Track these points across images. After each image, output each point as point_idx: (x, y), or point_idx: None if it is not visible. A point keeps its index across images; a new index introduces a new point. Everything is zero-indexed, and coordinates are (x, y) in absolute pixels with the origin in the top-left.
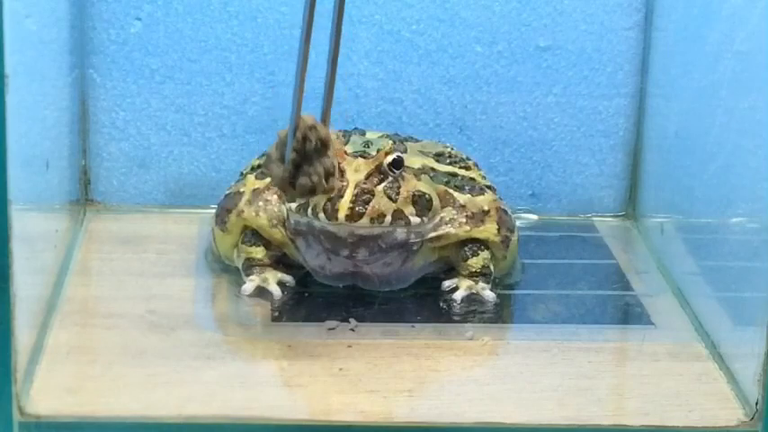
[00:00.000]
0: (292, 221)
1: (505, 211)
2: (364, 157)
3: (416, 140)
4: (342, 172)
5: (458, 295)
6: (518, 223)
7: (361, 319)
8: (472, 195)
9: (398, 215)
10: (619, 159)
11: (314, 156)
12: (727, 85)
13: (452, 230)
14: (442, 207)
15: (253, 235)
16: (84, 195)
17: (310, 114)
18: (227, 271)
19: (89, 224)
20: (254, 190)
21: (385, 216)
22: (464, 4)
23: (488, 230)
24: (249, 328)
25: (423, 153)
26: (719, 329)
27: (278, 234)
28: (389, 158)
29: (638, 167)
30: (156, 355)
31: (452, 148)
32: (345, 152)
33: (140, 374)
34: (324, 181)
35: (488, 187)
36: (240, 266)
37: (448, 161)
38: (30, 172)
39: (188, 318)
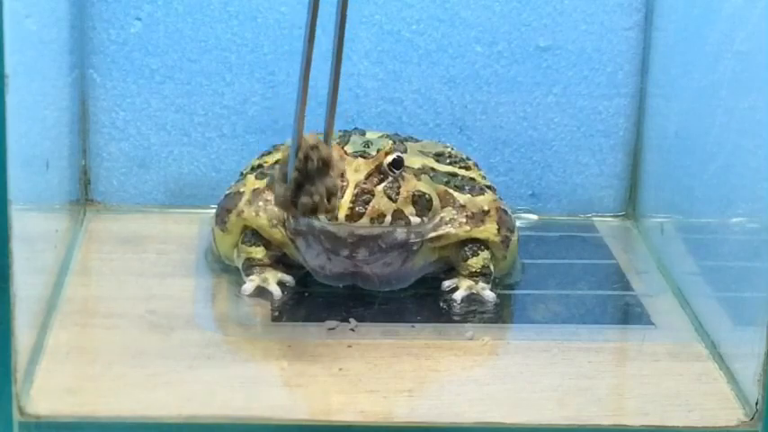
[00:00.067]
0: (292, 221)
1: (505, 211)
2: (364, 157)
3: (416, 140)
4: (342, 172)
5: (458, 295)
6: (518, 223)
7: (361, 319)
8: (472, 195)
9: (398, 215)
10: (619, 159)
11: (316, 175)
12: (727, 85)
13: (452, 230)
14: (442, 207)
15: (253, 235)
16: (84, 195)
17: (313, 133)
18: (227, 271)
19: (89, 224)
20: (254, 190)
21: (385, 216)
22: (464, 4)
23: (488, 230)
24: (249, 328)
25: (423, 153)
26: (719, 329)
27: (278, 234)
28: (389, 158)
29: (638, 167)
30: (156, 355)
31: (452, 148)
32: (345, 152)
33: (140, 374)
34: (326, 200)
35: (488, 187)
36: (240, 266)
37: (448, 161)
38: (30, 172)
39: (188, 318)
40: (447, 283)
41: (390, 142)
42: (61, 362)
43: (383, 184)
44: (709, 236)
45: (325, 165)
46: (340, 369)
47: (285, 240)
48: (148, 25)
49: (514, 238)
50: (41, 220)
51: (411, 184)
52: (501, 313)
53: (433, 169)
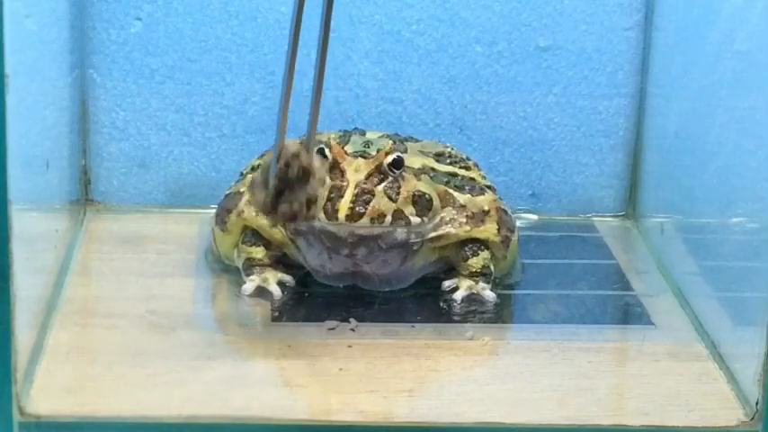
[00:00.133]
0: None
1: (505, 211)
2: (364, 157)
3: (416, 140)
4: (342, 172)
5: (458, 295)
6: (518, 223)
7: (361, 319)
8: (472, 195)
9: (398, 215)
10: (619, 159)
11: (296, 183)
12: (727, 85)
13: (452, 230)
14: (442, 207)
15: (253, 235)
16: (84, 195)
17: (295, 141)
18: (227, 271)
19: (89, 224)
20: None
21: (385, 216)
22: (464, 4)
23: (488, 230)
24: (249, 328)
25: (423, 153)
26: (719, 329)
27: (278, 234)
28: (389, 158)
29: (638, 167)
30: (156, 355)
31: (452, 148)
32: (345, 152)
33: (140, 374)
34: (305, 209)
35: (488, 187)
36: (240, 266)
37: (448, 161)
38: (30, 172)
39: (188, 318)
40: (447, 283)
41: (390, 142)
42: (61, 362)
43: (383, 184)
44: (709, 236)
45: (306, 173)
46: (340, 369)
47: (285, 240)
48: (148, 25)
49: (514, 238)
50: (41, 220)
51: (411, 184)
52: (501, 313)
53: (433, 169)
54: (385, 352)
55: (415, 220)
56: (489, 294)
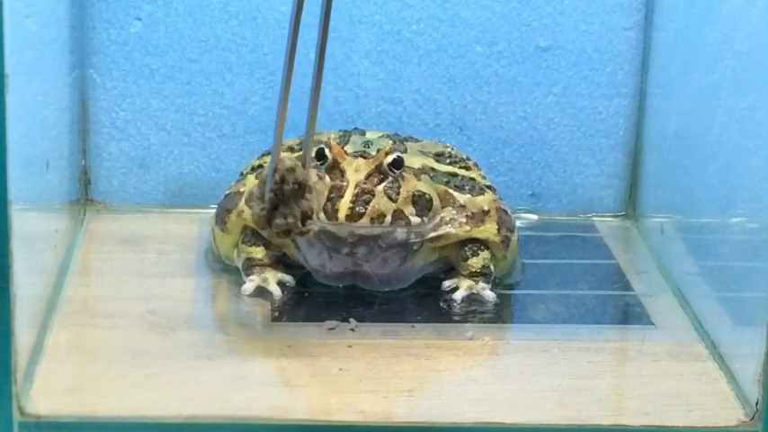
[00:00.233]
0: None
1: (505, 211)
2: (364, 157)
3: (416, 140)
4: (342, 172)
5: (458, 295)
6: (518, 223)
7: (361, 319)
8: (472, 195)
9: (398, 215)
10: (619, 159)
11: (291, 198)
12: (727, 85)
13: (452, 230)
14: (442, 207)
15: (253, 235)
16: (84, 195)
17: (290, 156)
18: (227, 271)
19: (89, 224)
20: None
21: (385, 216)
22: (464, 4)
23: (488, 230)
24: (249, 328)
25: (423, 153)
26: (719, 329)
27: None
28: (389, 158)
29: (638, 167)
30: (156, 355)
31: (452, 148)
32: (345, 152)
33: (140, 374)
34: (300, 223)
35: (488, 187)
36: (240, 266)
37: (448, 161)
38: (30, 172)
39: (188, 318)
40: (447, 283)
41: (390, 142)
42: (61, 362)
43: (383, 184)
44: (709, 236)
45: (301, 188)
46: (340, 369)
47: (285, 240)
48: (148, 25)
49: (514, 238)
50: (41, 220)
51: (411, 184)
52: (501, 313)
53: (433, 169)
54: (385, 352)
55: (415, 220)
56: (489, 294)
